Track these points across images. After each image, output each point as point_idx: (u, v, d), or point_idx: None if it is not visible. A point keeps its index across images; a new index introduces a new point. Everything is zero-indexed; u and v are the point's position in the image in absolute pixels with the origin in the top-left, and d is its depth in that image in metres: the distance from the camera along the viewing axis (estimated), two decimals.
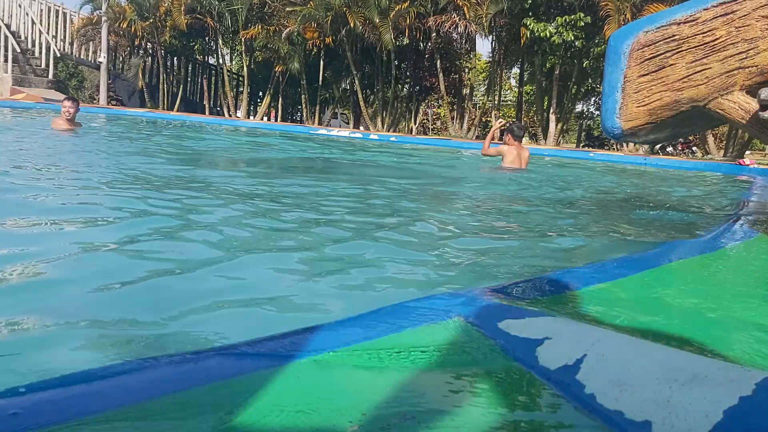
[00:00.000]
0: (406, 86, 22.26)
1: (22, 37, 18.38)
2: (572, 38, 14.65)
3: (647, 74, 2.18)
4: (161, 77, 22.38)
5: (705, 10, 2.10)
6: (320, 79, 20.93)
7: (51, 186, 3.28)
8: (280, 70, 20.61)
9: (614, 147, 16.98)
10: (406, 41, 18.63)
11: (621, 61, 2.23)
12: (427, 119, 28.47)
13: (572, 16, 14.62)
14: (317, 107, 21.59)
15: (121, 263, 1.87)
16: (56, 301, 1.51)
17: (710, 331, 1.12)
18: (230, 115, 21.44)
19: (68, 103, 7.00)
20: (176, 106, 22.38)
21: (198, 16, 20.16)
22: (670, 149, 18.29)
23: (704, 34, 2.10)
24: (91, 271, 1.76)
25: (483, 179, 5.85)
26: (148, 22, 20.73)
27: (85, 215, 2.52)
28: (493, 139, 6.30)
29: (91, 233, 2.25)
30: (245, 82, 22.11)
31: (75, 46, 20.61)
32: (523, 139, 6.96)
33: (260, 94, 25.76)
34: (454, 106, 20.40)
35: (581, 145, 22.18)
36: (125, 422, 0.68)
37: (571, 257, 2.45)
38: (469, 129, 19.27)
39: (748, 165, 9.29)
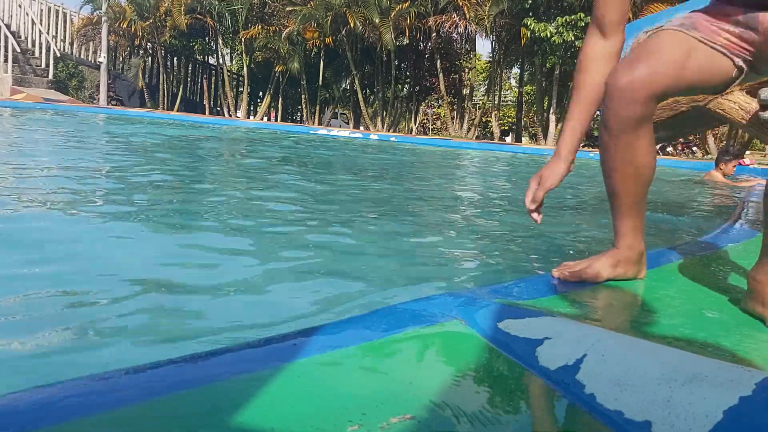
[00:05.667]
0: (406, 86, 22.27)
1: (22, 37, 18.39)
2: (572, 38, 14.65)
3: None
4: (161, 77, 22.39)
5: None
6: (320, 79, 20.94)
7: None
8: (280, 70, 20.63)
9: None
10: (406, 41, 18.65)
11: None
12: (427, 119, 28.49)
13: (572, 16, 14.63)
14: (317, 107, 21.61)
15: (116, 260, 1.87)
16: (50, 302, 1.51)
17: (710, 331, 1.12)
18: (230, 115, 21.45)
19: None
20: (176, 106, 22.39)
21: (198, 16, 20.17)
22: (670, 149, 18.28)
23: None
24: (83, 269, 1.76)
25: (481, 180, 5.84)
26: (148, 22, 20.75)
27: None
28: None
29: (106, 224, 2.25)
30: (245, 82, 22.12)
31: (75, 46, 20.63)
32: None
33: (260, 94, 25.77)
34: (454, 106, 20.41)
35: (581, 145, 22.18)
36: (124, 423, 0.68)
37: (571, 258, 2.44)
38: (469, 129, 19.28)
39: (748, 165, 9.28)
